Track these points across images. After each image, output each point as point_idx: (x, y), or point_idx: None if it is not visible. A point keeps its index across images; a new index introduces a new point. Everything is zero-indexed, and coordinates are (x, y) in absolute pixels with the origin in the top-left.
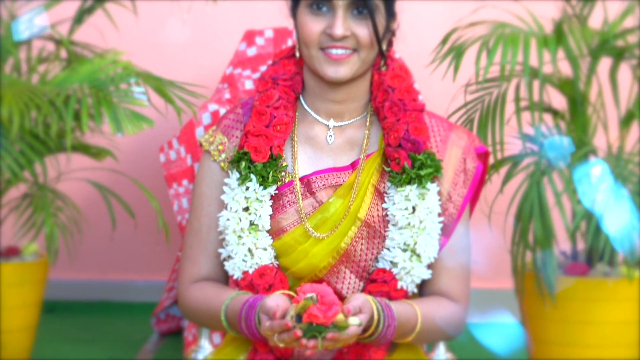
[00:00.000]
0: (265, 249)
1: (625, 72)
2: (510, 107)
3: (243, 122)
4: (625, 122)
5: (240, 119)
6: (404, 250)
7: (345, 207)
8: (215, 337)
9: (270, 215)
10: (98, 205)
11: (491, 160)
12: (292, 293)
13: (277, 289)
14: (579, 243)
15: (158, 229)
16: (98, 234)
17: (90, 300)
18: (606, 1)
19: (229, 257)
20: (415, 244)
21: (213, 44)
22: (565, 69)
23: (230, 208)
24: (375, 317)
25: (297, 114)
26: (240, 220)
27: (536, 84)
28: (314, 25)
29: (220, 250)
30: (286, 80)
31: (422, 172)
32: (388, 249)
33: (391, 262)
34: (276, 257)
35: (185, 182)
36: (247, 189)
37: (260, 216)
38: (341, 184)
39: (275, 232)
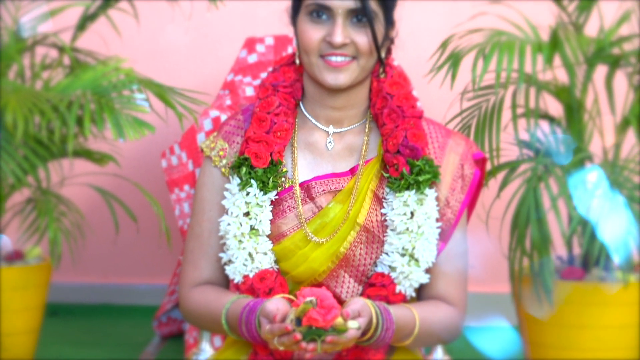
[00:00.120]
0: (265, 254)
1: (621, 79)
2: (507, 114)
3: (244, 128)
4: (621, 128)
5: (241, 125)
6: (403, 255)
7: (344, 212)
8: (216, 340)
9: (271, 220)
10: (100, 209)
11: (488, 166)
12: (292, 297)
13: (277, 292)
14: (575, 248)
15: (160, 233)
16: (101, 238)
17: (92, 304)
18: (602, 9)
19: (230, 261)
20: (413, 248)
21: (214, 51)
22: (561, 76)
23: (231, 213)
24: (374, 320)
25: (297, 120)
26: (241, 225)
27: (533, 91)
28: (314, 32)
29: (221, 254)
30: (286, 87)
31: (421, 178)
32: (387, 253)
33: (390, 266)
34: (276, 262)
35: (186, 187)
36: (248, 194)
37: (260, 221)
38: (340, 190)
39: (275, 237)
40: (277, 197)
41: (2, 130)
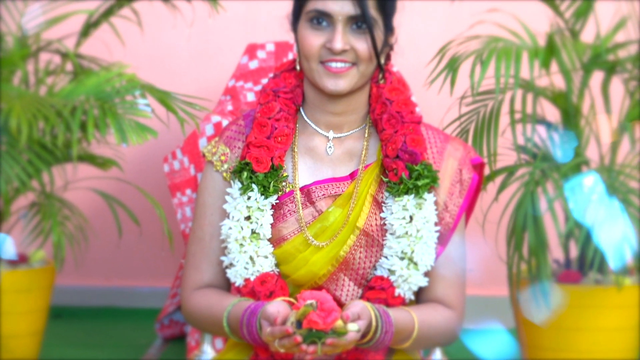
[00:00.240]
0: (266, 257)
1: (617, 85)
2: (504, 119)
3: (245, 133)
4: (617, 134)
5: (242, 130)
6: (402, 259)
7: (344, 217)
8: (217, 342)
9: (271, 224)
10: (104, 213)
11: (486, 171)
12: (292, 300)
13: (278, 295)
14: (571, 252)
15: (162, 236)
16: (104, 242)
17: (96, 306)
18: (598, 15)
19: (231, 264)
20: (412, 252)
21: (215, 57)
22: (558, 82)
23: (232, 217)
24: (374, 323)
25: (297, 125)
26: (242, 228)
27: (530, 96)
28: (314, 39)
29: (223, 258)
30: (287, 93)
31: (419, 183)
32: (386, 257)
33: (389, 270)
34: (277, 265)
35: (188, 191)
36: (249, 198)
37: (261, 225)
38: (340, 194)
39: (276, 241)
40: (277, 201)
41: (7, 135)
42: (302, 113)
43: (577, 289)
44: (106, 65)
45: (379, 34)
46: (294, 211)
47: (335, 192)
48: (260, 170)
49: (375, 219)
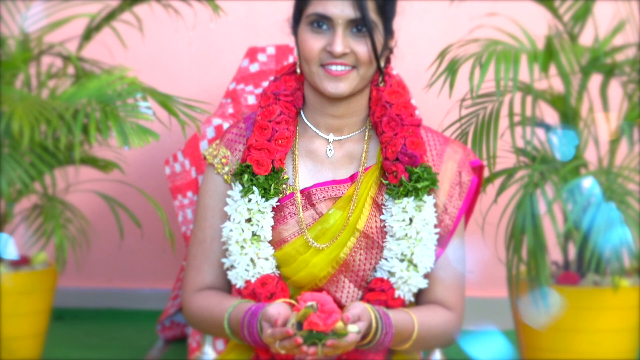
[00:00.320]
0: (267, 259)
1: (615, 88)
2: (504, 122)
3: (246, 136)
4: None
5: (243, 133)
6: (401, 261)
7: (344, 219)
8: (218, 343)
9: (272, 226)
10: (105, 215)
11: (486, 173)
12: (293, 301)
13: (279, 297)
14: (570, 253)
15: (164, 238)
16: (105, 244)
17: (97, 308)
18: (597, 19)
19: (232, 266)
20: (412, 254)
21: (217, 60)
22: (557, 85)
23: (233, 219)
24: (374, 324)
25: (298, 128)
26: (243, 231)
27: (529, 99)
28: (315, 42)
29: (224, 260)
30: (287, 96)
31: (419, 185)
32: (386, 259)
33: (389, 271)
34: (277, 267)
35: (189, 193)
36: (250, 200)
37: (262, 227)
38: (340, 196)
39: (276, 243)
40: (278, 203)
41: (9, 137)
42: (303, 116)
43: (576, 290)
44: (108, 68)
45: (379, 37)
46: (294, 213)
47: (335, 195)
48: (261, 173)
49: (375, 221)
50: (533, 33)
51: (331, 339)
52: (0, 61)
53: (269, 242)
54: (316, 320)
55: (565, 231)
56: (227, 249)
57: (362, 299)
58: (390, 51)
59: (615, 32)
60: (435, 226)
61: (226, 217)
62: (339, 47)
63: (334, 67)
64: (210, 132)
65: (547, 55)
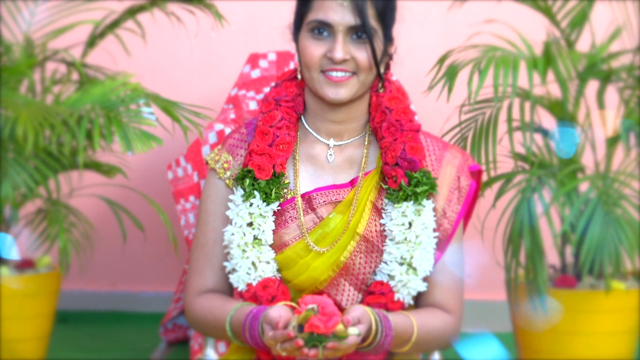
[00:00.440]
0: (268, 262)
1: (612, 94)
2: (502, 127)
3: (247, 141)
4: (612, 142)
5: (244, 138)
6: (401, 264)
7: (344, 223)
8: (220, 346)
9: (273, 230)
10: (109, 219)
11: (484, 177)
12: (294, 304)
13: (280, 300)
14: (567, 257)
15: (167, 242)
16: (109, 247)
17: (101, 311)
18: (594, 25)
19: (234, 270)
20: (411, 257)
21: (218, 67)
22: (554, 91)
23: (235, 223)
24: (374, 327)
25: (298, 133)
26: (245, 234)
27: (527, 105)
28: (315, 49)
29: (225, 263)
30: (288, 102)
31: (418, 190)
32: (385, 262)
33: (388, 275)
34: (279, 270)
35: (192, 198)
36: (251, 205)
37: (263, 231)
38: (341, 201)
39: (277, 246)
40: (279, 207)
41: (14, 142)
42: (303, 121)
43: (573, 293)
44: (111, 74)
45: (379, 44)
46: (295, 217)
47: (335, 199)
48: (262, 178)
49: (375, 225)
50: (531, 39)
51: (332, 342)
52: (5, 67)
53: (270, 245)
54: (317, 323)
55: (561, 233)
56: (228, 253)
57: (362, 302)
58: (390, 57)
59: (611, 38)
60: (434, 230)
61: (228, 221)
62: (339, 54)
63: (334, 74)
64: (212, 137)
65: (546, 62)
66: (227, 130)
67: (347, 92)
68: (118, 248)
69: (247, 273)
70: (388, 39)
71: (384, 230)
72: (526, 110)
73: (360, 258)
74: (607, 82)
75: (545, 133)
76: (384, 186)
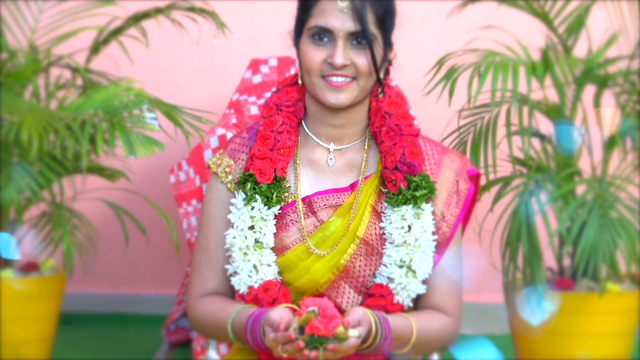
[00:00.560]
0: (269, 265)
1: (608, 99)
2: (501, 131)
3: (249, 145)
4: (609, 146)
5: (246, 142)
6: (400, 267)
7: (344, 226)
8: (222, 347)
9: (274, 234)
10: (112, 223)
11: (483, 181)
12: (295, 306)
13: (281, 302)
14: (564, 259)
15: (170, 244)
16: (112, 250)
17: (104, 313)
18: (591, 31)
19: (235, 272)
20: (410, 260)
21: (220, 72)
22: (552, 96)
23: (237, 227)
24: (373, 329)
25: (299, 138)
26: (246, 238)
27: (525, 109)
28: (316, 54)
29: (227, 266)
30: (289, 107)
31: (417, 193)
32: (385, 265)
33: (388, 277)
34: (280, 273)
35: (194, 201)
36: (253, 208)
37: (264, 234)
38: (341, 204)
39: (278, 250)
40: (280, 211)
41: (18, 147)
42: (304, 126)
43: (570, 295)
44: (115, 80)
45: (379, 50)
46: (296, 221)
47: (336, 203)
48: (264, 182)
49: (375, 229)
50: (528, 45)
51: (332, 343)
52: (9, 72)
53: (271, 249)
54: (317, 325)
55: (558, 234)
56: (230, 256)
57: (362, 304)
58: (390, 63)
59: (608, 44)
60: (433, 233)
61: (229, 224)
62: (339, 59)
63: (334, 79)
64: (214, 142)
65: (544, 67)
66: (229, 135)
67: (347, 97)
68: (121, 251)
69: (249, 276)
70: (387, 45)
71: (384, 234)
72: (524, 114)
73: (360, 261)
74: (603, 87)
75: (542, 137)
76: (384, 190)
